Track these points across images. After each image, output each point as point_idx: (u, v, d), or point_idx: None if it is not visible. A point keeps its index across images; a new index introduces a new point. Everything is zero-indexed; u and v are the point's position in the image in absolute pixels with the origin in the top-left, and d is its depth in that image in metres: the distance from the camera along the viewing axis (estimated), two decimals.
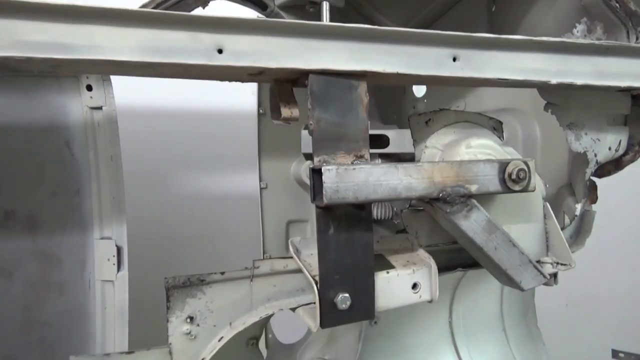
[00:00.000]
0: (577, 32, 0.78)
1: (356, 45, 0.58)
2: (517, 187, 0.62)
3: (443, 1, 1.47)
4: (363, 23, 0.59)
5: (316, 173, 0.55)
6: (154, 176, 1.86)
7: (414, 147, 0.72)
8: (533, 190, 0.63)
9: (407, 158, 1.51)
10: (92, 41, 0.50)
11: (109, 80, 1.20)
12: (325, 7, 0.61)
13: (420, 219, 0.71)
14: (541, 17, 1.08)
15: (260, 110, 1.64)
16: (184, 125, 1.83)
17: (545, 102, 0.76)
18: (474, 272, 0.77)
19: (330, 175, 0.53)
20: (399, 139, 1.38)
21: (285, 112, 0.61)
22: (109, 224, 1.22)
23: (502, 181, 0.61)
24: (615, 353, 1.80)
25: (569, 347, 2.67)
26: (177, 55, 0.52)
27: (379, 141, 1.25)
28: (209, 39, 0.53)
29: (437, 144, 0.70)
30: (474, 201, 0.61)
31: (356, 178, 0.54)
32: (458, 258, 0.74)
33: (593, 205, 0.94)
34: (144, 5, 1.09)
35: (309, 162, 1.65)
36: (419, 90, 1.65)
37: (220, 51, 0.54)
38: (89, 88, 1.20)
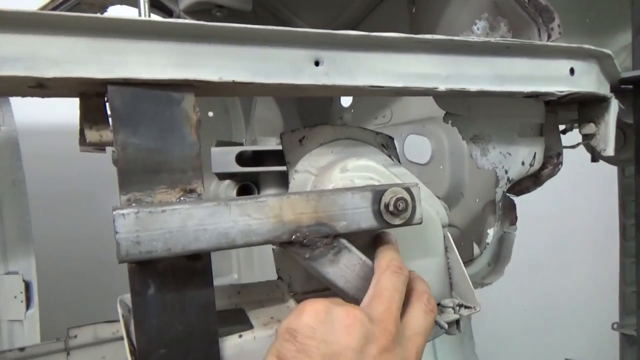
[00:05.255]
0: (478, 29, 0.67)
1: (180, 46, 0.45)
2: (397, 221, 0.49)
3: (363, 3, 1.36)
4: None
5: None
6: (69, 200, 1.68)
7: (288, 172, 0.59)
8: (419, 223, 0.51)
9: None
10: None
11: (7, 97, 1.06)
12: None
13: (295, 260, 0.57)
14: (456, 16, 0.99)
15: None
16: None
17: (444, 112, 0.64)
18: None
19: (125, 223, 0.38)
20: None
21: (92, 135, 0.46)
22: (14, 257, 1.09)
23: (378, 214, 0.49)
24: None
25: (524, 352, 2.62)
26: None
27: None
28: None
29: (310, 167, 0.57)
30: (343, 241, 0.48)
31: (168, 223, 0.40)
32: None
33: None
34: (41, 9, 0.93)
35: (227, 181, 1.50)
36: (346, 100, 1.54)
37: None
38: None
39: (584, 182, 2.40)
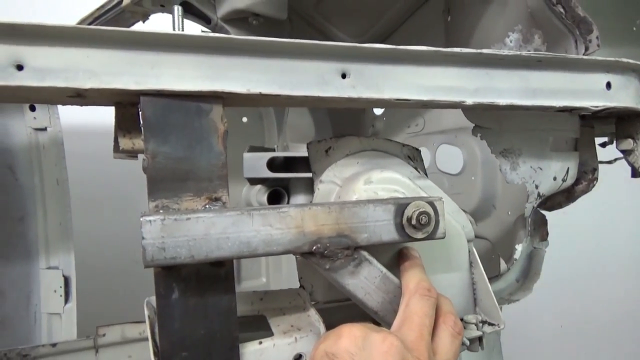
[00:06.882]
0: (511, 41, 0.66)
1: (209, 59, 0.46)
2: (419, 235, 0.49)
3: (398, 12, 1.36)
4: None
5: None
6: (108, 200, 1.75)
7: (313, 181, 0.60)
8: (442, 237, 0.50)
9: None
10: None
11: None
12: (178, 11, 0.49)
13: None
14: (493, 25, 0.98)
15: None
16: None
17: (473, 125, 0.64)
18: None
19: (151, 229, 0.40)
20: None
21: (125, 143, 0.48)
22: (55, 253, 1.14)
23: (400, 227, 0.49)
24: None
25: None
26: None
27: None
28: (2, 53, 0.41)
29: (335, 177, 0.58)
30: (364, 253, 0.49)
31: (192, 231, 0.41)
32: (365, 315, 0.61)
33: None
34: (81, 21, 0.98)
35: (259, 186, 1.52)
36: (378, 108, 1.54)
37: (19, 67, 0.42)
38: (32, 108, 1.13)
39: (624, 194, 2.31)
